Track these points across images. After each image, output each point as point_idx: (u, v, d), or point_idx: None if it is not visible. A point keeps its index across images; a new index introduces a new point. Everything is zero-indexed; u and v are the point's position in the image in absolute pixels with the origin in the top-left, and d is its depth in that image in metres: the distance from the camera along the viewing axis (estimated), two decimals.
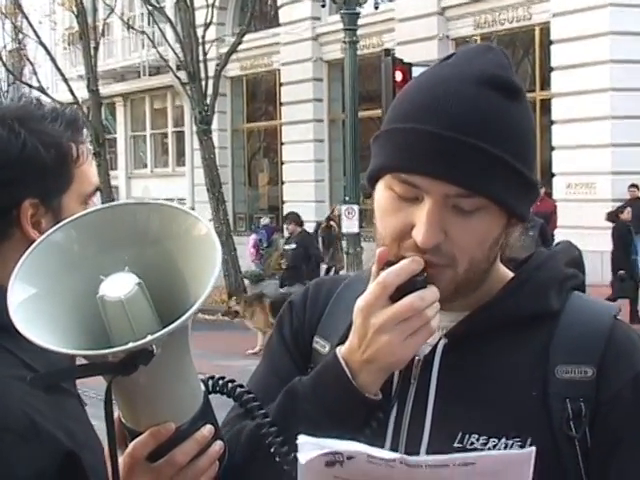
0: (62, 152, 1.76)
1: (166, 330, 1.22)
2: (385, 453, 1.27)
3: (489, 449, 1.40)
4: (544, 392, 1.44)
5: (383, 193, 1.47)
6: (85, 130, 1.85)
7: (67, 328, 1.30)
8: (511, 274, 1.55)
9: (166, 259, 1.35)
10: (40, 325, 1.26)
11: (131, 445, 1.36)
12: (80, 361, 1.34)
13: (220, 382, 1.46)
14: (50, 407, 1.64)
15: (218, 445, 1.40)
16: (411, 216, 1.42)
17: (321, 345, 1.59)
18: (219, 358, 13.37)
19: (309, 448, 1.27)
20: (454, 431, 1.43)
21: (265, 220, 25.95)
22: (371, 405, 1.43)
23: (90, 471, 1.62)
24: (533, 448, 1.27)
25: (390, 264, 1.41)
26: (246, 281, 22.04)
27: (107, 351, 1.24)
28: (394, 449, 1.43)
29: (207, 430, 1.38)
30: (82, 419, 1.75)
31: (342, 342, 1.47)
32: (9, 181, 1.72)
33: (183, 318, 1.23)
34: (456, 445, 1.42)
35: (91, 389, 3.06)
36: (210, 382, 1.45)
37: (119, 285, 1.28)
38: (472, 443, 1.42)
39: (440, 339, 1.49)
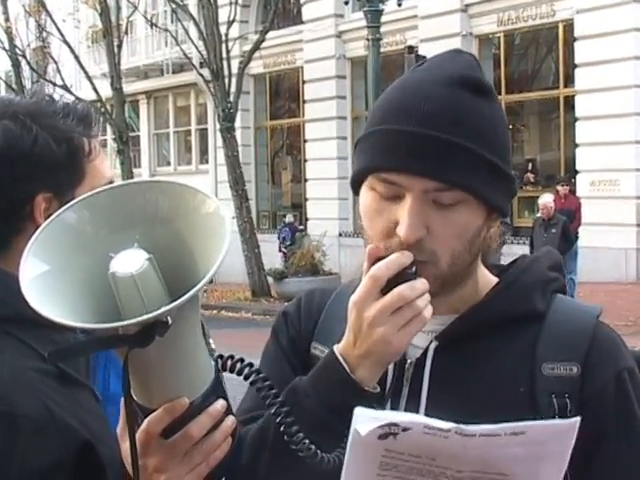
0: (74, 147, 1.78)
1: (180, 301, 1.23)
2: (441, 423, 1.28)
3: None
4: (531, 388, 1.52)
5: (367, 194, 1.54)
6: (97, 125, 1.87)
7: (78, 306, 1.30)
8: (495, 278, 1.64)
9: (176, 237, 1.35)
10: (52, 301, 1.27)
11: (146, 421, 1.36)
12: None
13: (229, 361, 1.46)
14: (65, 398, 1.65)
15: (230, 420, 1.42)
16: (394, 214, 1.49)
17: (320, 350, 1.64)
18: (243, 355, 13.40)
19: (365, 420, 1.27)
20: None
21: (289, 218, 25.97)
22: (371, 398, 1.46)
23: (107, 463, 1.62)
24: (578, 418, 1.32)
25: (381, 259, 1.46)
26: (269, 279, 22.08)
27: (120, 323, 1.24)
28: None
29: (220, 404, 1.39)
30: (96, 412, 1.76)
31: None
32: (22, 176, 1.74)
33: (195, 289, 1.24)
34: None
35: None
36: (219, 361, 1.45)
37: (129, 261, 1.28)
38: None
39: (431, 342, 1.57)
